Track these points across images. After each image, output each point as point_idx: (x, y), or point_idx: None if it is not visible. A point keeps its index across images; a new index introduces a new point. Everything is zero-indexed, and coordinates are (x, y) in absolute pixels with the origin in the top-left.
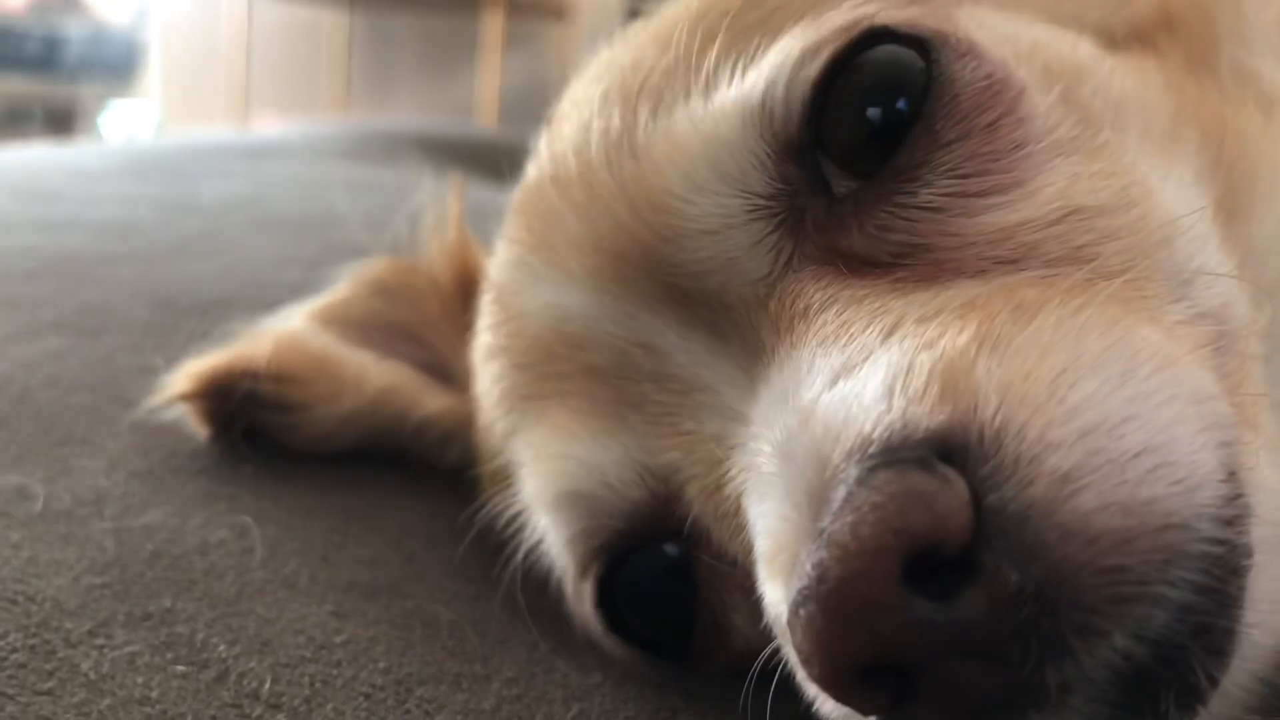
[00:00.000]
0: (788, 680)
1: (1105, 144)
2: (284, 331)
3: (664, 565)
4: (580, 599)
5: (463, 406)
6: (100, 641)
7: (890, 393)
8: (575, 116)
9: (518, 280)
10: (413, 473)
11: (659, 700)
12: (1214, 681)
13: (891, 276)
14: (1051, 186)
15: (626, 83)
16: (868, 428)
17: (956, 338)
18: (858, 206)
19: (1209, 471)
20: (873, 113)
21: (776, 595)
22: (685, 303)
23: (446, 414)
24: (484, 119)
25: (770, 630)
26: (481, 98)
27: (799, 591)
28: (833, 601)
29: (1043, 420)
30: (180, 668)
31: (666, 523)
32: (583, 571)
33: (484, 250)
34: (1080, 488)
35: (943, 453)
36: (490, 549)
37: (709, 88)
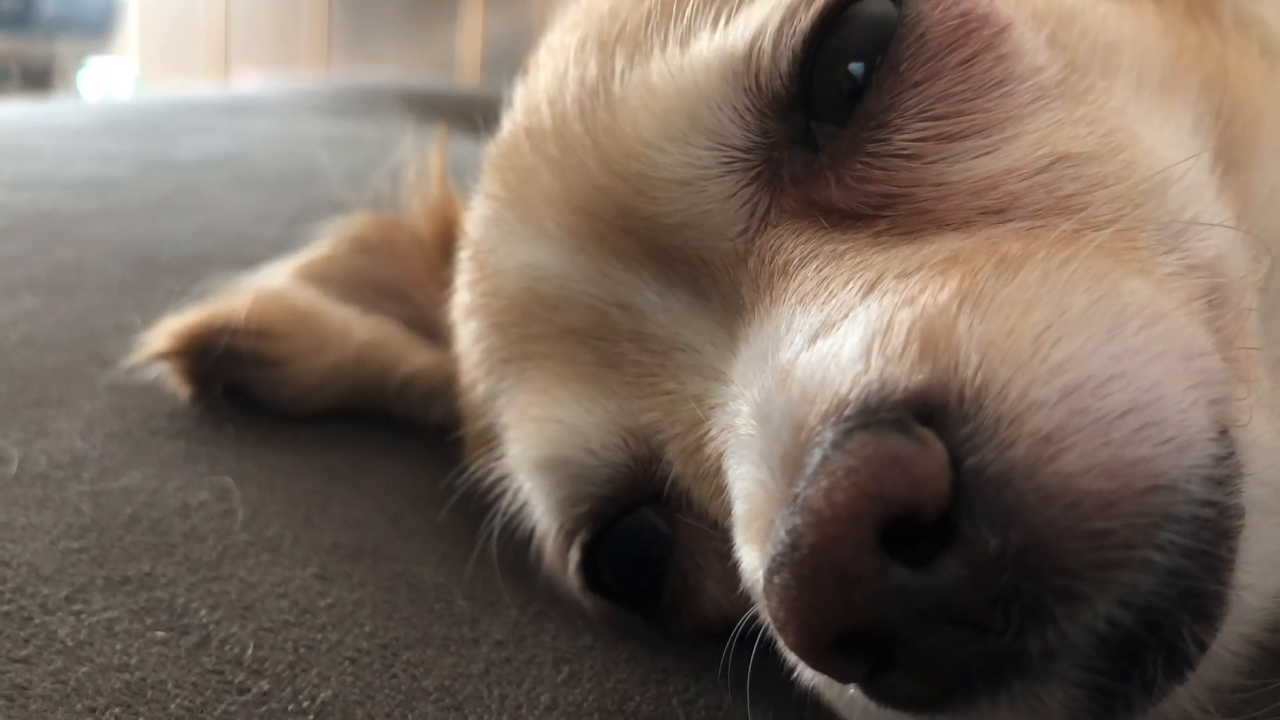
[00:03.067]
0: (770, 644)
1: (1091, 89)
2: (265, 287)
3: (644, 527)
4: (564, 562)
5: (447, 363)
6: (78, 607)
7: (868, 352)
8: (551, 66)
9: (493, 237)
10: (396, 432)
11: (651, 662)
12: (1203, 646)
13: (873, 229)
14: (1035, 133)
15: (604, 31)
16: (844, 388)
17: (938, 294)
18: (834, 158)
19: (1199, 430)
20: (855, 67)
21: (752, 560)
22: (663, 260)
23: (431, 370)
24: (467, 74)
25: (745, 595)
26: (464, 52)
27: (773, 558)
28: (806, 569)
29: (1025, 379)
30: (160, 633)
31: (648, 485)
32: (568, 537)
33: (467, 206)
34: (1063, 449)
35: (921, 414)
36: (476, 510)
37: (687, 37)
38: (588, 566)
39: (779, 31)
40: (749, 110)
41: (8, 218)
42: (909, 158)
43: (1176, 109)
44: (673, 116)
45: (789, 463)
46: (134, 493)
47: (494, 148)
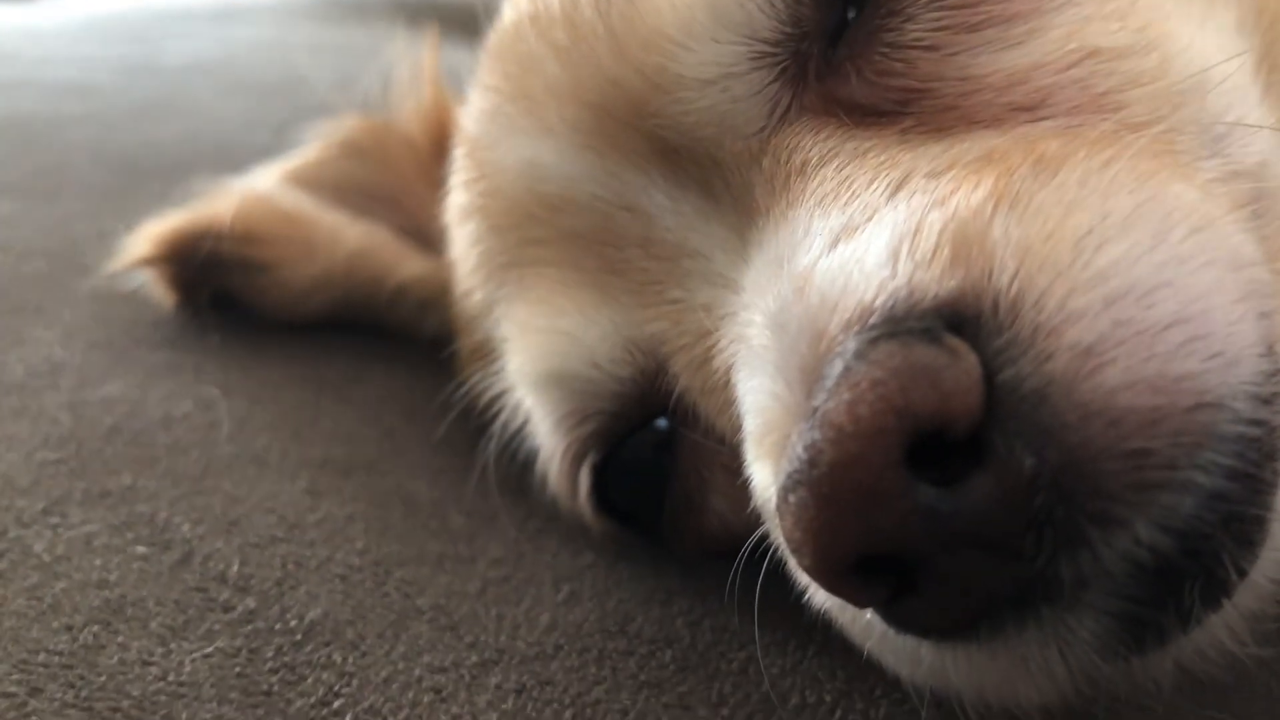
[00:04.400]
0: (779, 565)
1: None
2: (251, 190)
3: (652, 440)
4: (571, 485)
5: (441, 272)
6: (55, 520)
7: (895, 256)
8: None
9: (492, 133)
10: (389, 343)
11: (655, 581)
12: (1243, 573)
13: (899, 127)
14: (1061, 27)
15: None
16: (869, 295)
17: (970, 194)
18: (853, 49)
19: (1247, 344)
20: None
21: (765, 477)
22: (674, 160)
23: (425, 279)
24: None
25: (754, 514)
26: None
27: (789, 475)
28: (826, 487)
29: (1065, 287)
30: (141, 549)
31: (655, 398)
32: (576, 460)
33: (462, 108)
34: (1104, 362)
35: (953, 323)
36: (473, 425)
37: None
38: (598, 489)
39: None
40: None
41: None
42: (927, 49)
43: (1218, 6)
44: (697, 10)
45: (807, 374)
46: (115, 403)
47: (494, 36)
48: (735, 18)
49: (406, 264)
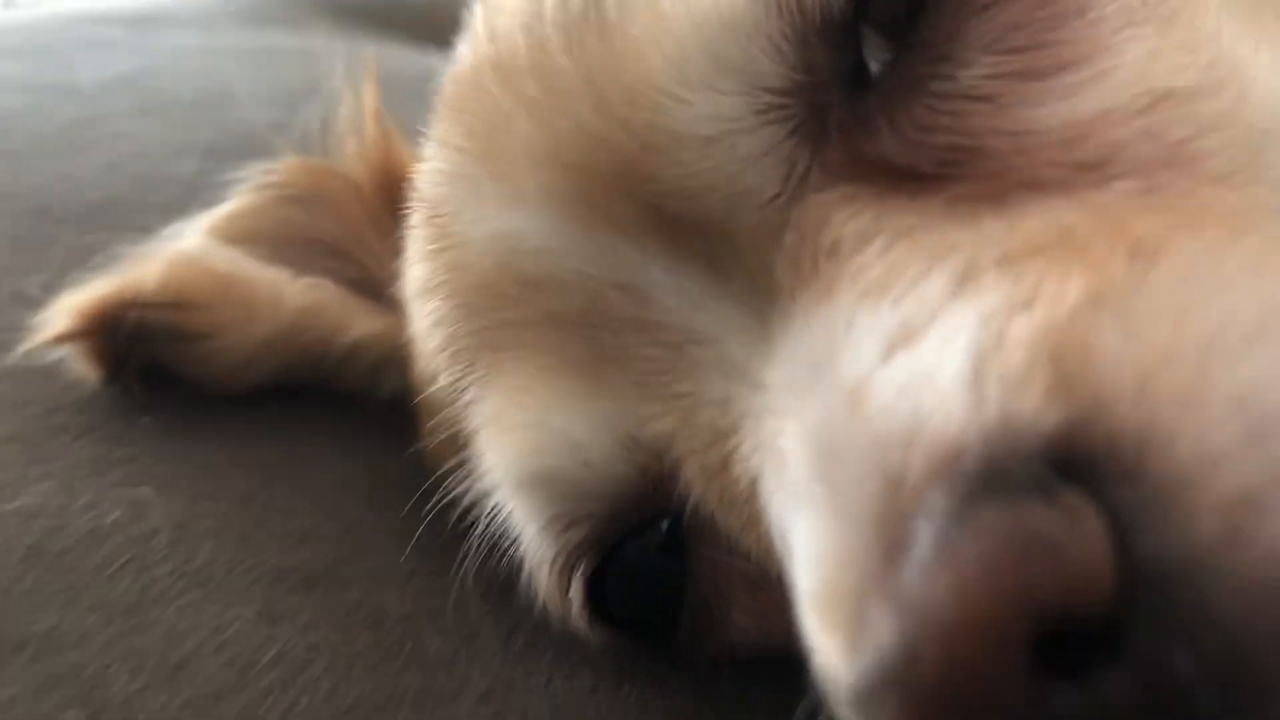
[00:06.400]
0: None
1: (1182, 8)
2: (179, 250)
3: (657, 543)
4: (563, 597)
5: (397, 328)
6: None
7: (979, 376)
8: None
9: (456, 199)
10: (342, 410)
11: (665, 703)
12: None
13: (945, 194)
14: (1127, 66)
15: None
16: (953, 430)
17: (1061, 294)
18: (888, 100)
19: None
20: None
21: (831, 655)
22: (673, 231)
23: (379, 337)
24: None
25: (783, 629)
26: None
27: (876, 674)
28: (930, 699)
29: (1202, 417)
30: (71, 714)
31: (660, 501)
32: (566, 567)
33: (410, 142)
34: (1265, 519)
35: (1063, 468)
36: (445, 521)
37: None
38: (593, 600)
39: None
40: (788, 39)
41: None
42: (981, 99)
43: (1270, 21)
44: (690, 54)
45: (882, 528)
46: (33, 517)
47: (450, 84)
48: (736, 63)
49: (358, 321)
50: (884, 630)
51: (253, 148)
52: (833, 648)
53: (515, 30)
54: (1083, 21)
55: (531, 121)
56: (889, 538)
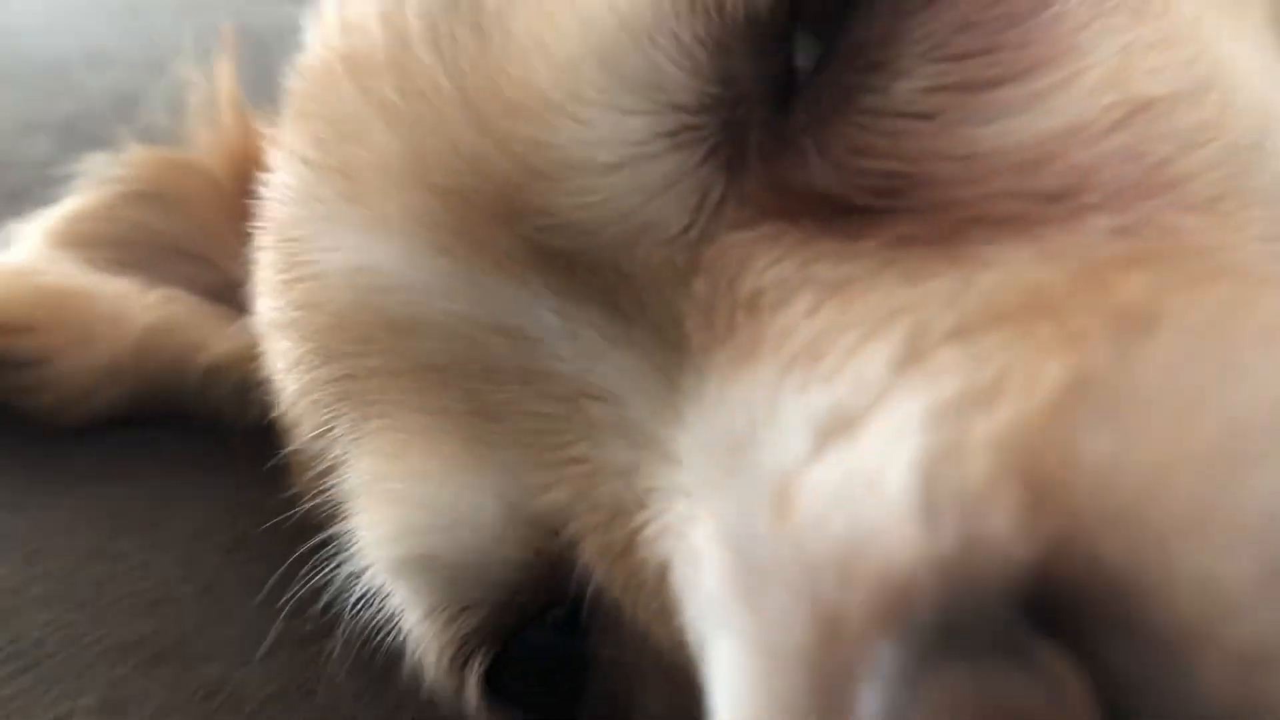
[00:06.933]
0: None
1: None
2: (6, 263)
3: (555, 623)
4: (455, 684)
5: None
6: None
7: (931, 487)
8: None
9: (306, 222)
10: (204, 442)
11: None
12: None
13: (884, 234)
14: (1098, 67)
15: None
16: (901, 559)
17: (1033, 380)
18: (813, 116)
19: None
20: None
21: None
22: (563, 268)
23: (243, 353)
24: None
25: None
26: None
27: None
28: None
29: (1213, 549)
30: None
31: (559, 581)
32: (457, 659)
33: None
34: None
35: (1039, 617)
36: (312, 557)
37: None
38: (490, 693)
39: None
40: (703, 45)
41: None
42: (920, 116)
43: (1248, 5)
44: (584, 60)
45: (817, 679)
46: None
47: (297, 80)
48: (639, 74)
49: (217, 336)
50: None
51: (115, 122)
52: None
53: (371, 18)
54: (1042, 19)
55: (391, 132)
56: (825, 695)
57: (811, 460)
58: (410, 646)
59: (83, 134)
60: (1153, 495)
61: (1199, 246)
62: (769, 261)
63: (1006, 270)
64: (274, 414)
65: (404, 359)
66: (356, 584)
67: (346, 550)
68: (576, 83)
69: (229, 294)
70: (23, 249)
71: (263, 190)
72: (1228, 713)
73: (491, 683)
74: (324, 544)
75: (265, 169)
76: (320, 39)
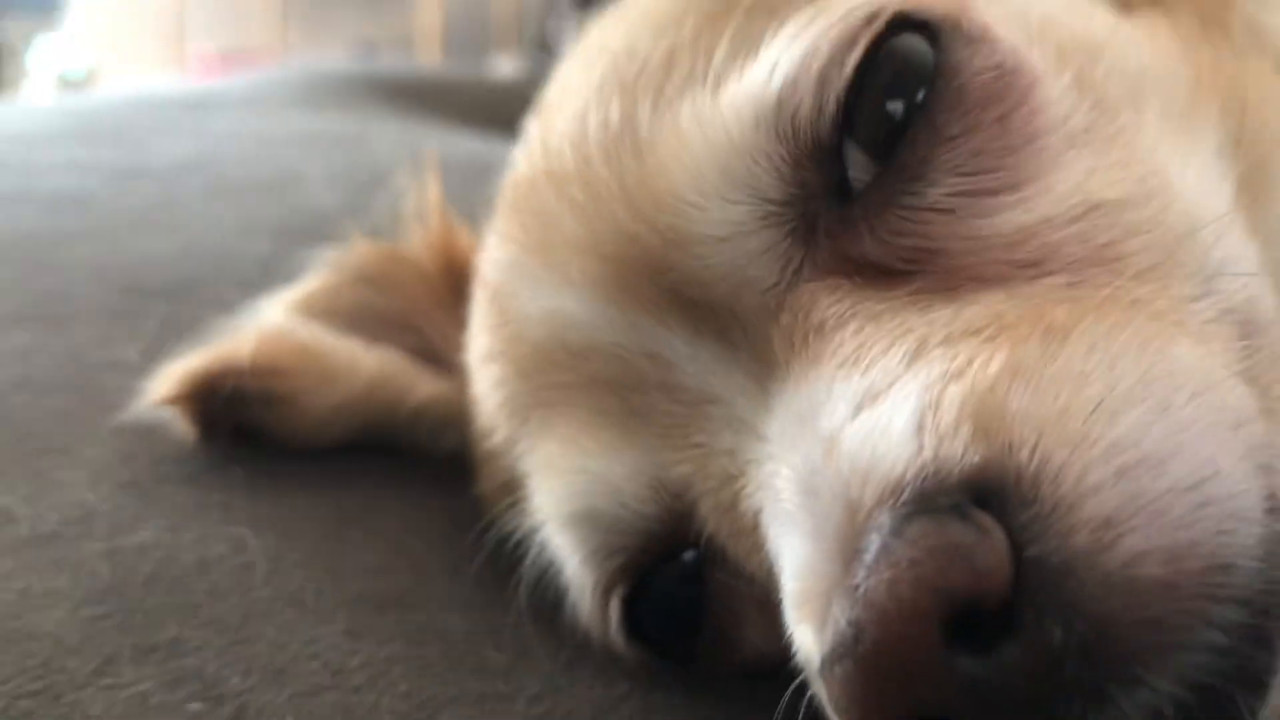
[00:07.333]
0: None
1: (1122, 130)
2: (267, 324)
3: (680, 574)
4: (603, 617)
5: (457, 392)
6: (108, 681)
7: (920, 429)
8: (569, 106)
9: (514, 282)
10: (407, 465)
11: (689, 709)
12: (1254, 713)
13: (909, 287)
14: (1067, 182)
15: (622, 71)
16: (899, 469)
17: (986, 367)
18: (868, 210)
19: (1253, 505)
20: (893, 107)
21: (807, 640)
22: (691, 311)
23: (442, 399)
24: (426, 48)
25: (786, 645)
26: (423, 25)
27: (833, 648)
28: (870, 663)
29: (1081, 460)
30: (195, 705)
31: (683, 536)
32: (605, 591)
33: (469, 233)
34: (1122, 534)
35: (979, 497)
36: (499, 557)
37: (716, 81)
38: (628, 620)
39: (822, 76)
40: (784, 160)
41: None
42: (943, 211)
43: (1199, 137)
44: (706, 171)
45: (843, 544)
46: (150, 549)
47: (510, 188)
48: (742, 178)
49: (423, 385)
50: (840, 617)
51: (319, 228)
52: (808, 636)
53: (564, 146)
54: (1031, 148)
55: (576, 221)
56: (848, 550)
57: (850, 421)
58: (571, 588)
59: (292, 236)
60: (1050, 429)
61: (1125, 299)
62: (831, 302)
63: (983, 306)
64: (460, 447)
65: (578, 375)
66: (534, 537)
67: (526, 515)
68: (701, 184)
69: (430, 356)
70: (274, 314)
71: (479, 264)
72: (1083, 550)
73: (628, 611)
74: (508, 515)
75: (462, 260)
76: (526, 158)
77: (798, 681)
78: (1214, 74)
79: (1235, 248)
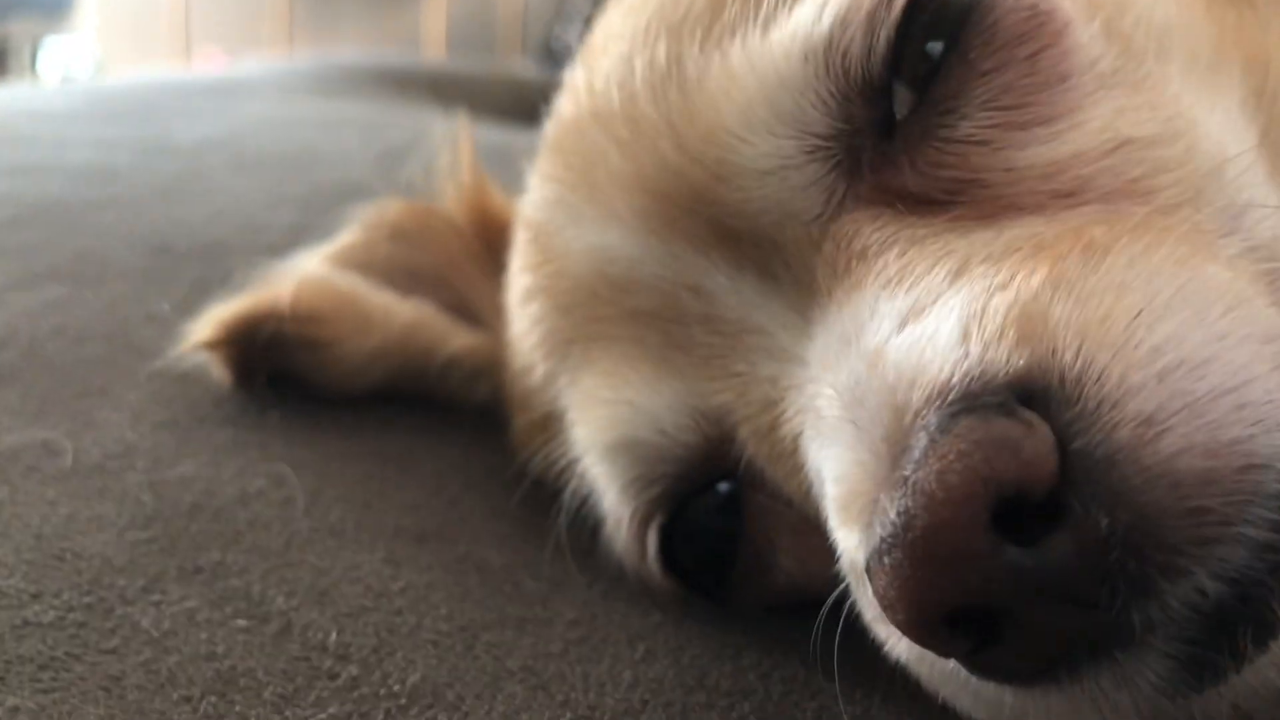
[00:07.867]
0: (853, 620)
1: (1149, 75)
2: (306, 272)
3: (717, 503)
4: (640, 547)
5: (490, 344)
6: (156, 598)
7: (966, 336)
8: (614, 50)
9: (558, 220)
10: (440, 414)
11: (722, 637)
12: None
13: (949, 215)
14: (1098, 119)
15: (668, 14)
16: (945, 372)
17: (1029, 279)
18: (908, 143)
19: None
20: (934, 47)
21: (851, 541)
22: (733, 243)
23: (474, 351)
24: (432, 50)
25: (822, 572)
26: (428, 28)
27: (883, 539)
28: (920, 550)
29: (1123, 363)
30: (241, 621)
31: (720, 464)
32: (643, 521)
33: (501, 192)
34: (1164, 430)
35: (1023, 397)
36: (534, 493)
37: (765, 22)
38: (665, 550)
39: (872, 15)
40: (833, 96)
41: (16, 207)
42: (979, 144)
43: (1224, 91)
44: (755, 105)
45: (891, 445)
46: (191, 482)
47: (553, 130)
48: (790, 113)
49: (456, 337)
50: (889, 508)
51: (346, 198)
52: (851, 539)
53: (611, 87)
54: (1062, 87)
55: (622, 157)
56: (895, 450)
57: (895, 335)
58: (609, 517)
59: (317, 207)
60: (1092, 335)
61: (1158, 224)
62: (874, 229)
63: (1023, 229)
64: (493, 396)
65: (620, 309)
66: (575, 466)
67: (567, 446)
68: (749, 119)
69: (463, 310)
70: (311, 263)
71: (520, 204)
72: (1125, 445)
73: (666, 539)
74: (548, 449)
75: (495, 217)
76: (570, 100)
77: (833, 597)
78: (1237, 35)
79: (1261, 190)
